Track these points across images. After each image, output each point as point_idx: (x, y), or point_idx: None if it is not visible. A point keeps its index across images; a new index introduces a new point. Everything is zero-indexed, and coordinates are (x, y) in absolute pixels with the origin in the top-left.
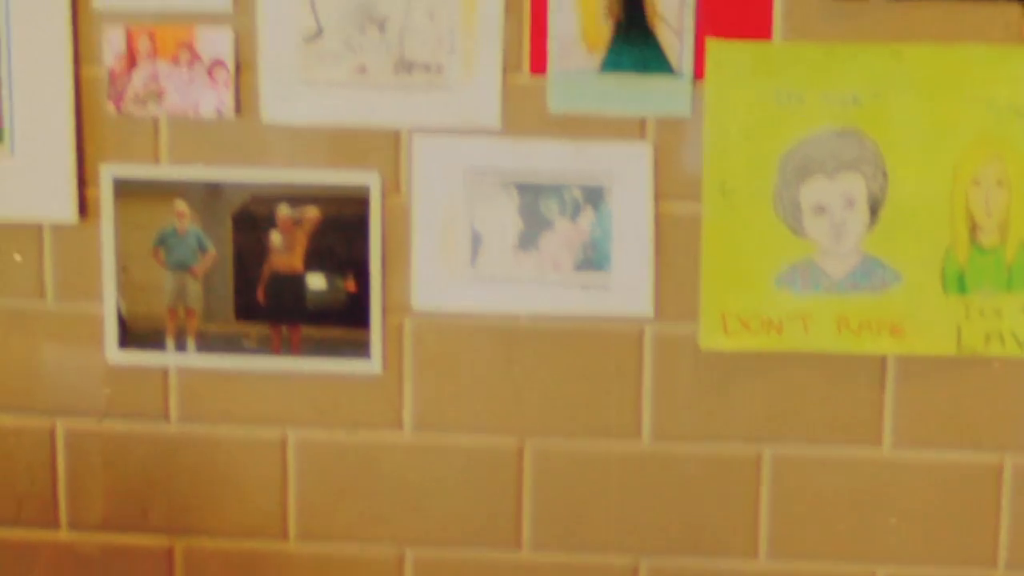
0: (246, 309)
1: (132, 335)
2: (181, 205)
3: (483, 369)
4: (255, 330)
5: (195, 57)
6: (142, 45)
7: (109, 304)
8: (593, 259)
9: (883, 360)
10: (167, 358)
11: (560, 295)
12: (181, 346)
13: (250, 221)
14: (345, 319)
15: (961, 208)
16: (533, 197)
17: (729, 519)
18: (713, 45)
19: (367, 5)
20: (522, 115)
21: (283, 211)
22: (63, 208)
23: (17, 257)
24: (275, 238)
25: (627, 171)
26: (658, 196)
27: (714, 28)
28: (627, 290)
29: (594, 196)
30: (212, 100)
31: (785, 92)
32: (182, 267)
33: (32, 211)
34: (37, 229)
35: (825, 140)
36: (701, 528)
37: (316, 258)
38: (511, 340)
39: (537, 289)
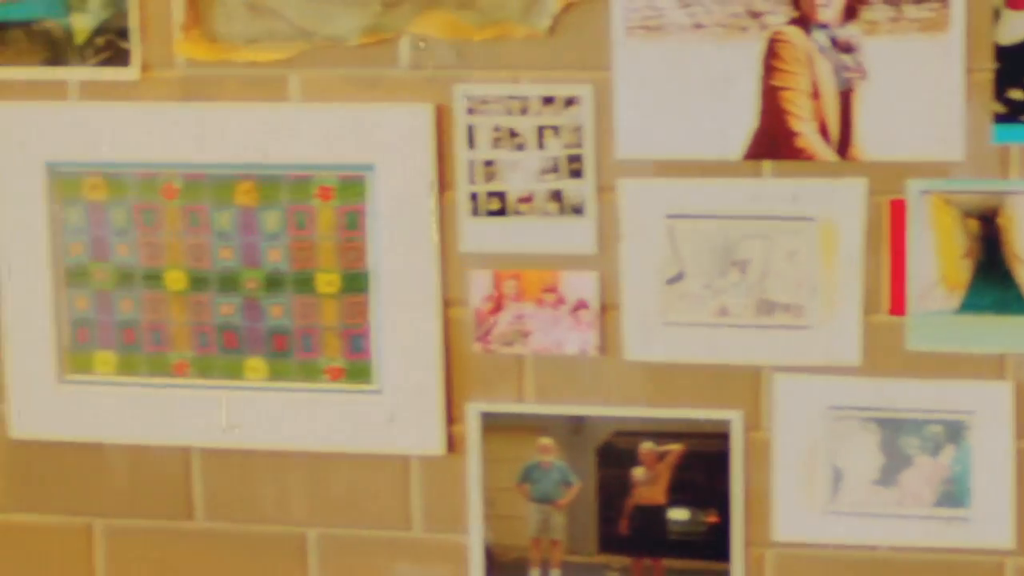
0: (609, 541)
1: (497, 565)
2: (546, 440)
3: None
4: (618, 561)
5: (560, 299)
6: (508, 288)
7: (475, 535)
8: (953, 494)
9: None
10: None
11: (919, 528)
12: None
13: (614, 456)
14: (706, 551)
15: None
16: (893, 433)
17: None
18: None
19: (729, 249)
20: (881, 353)
21: (646, 446)
22: (431, 442)
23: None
24: (638, 472)
25: (987, 408)
26: (1019, 432)
27: None
28: (988, 523)
29: (954, 432)
30: (576, 340)
31: None
32: (547, 500)
33: (400, 445)
34: (404, 461)
35: None
36: None
37: (678, 492)
38: (870, 571)
39: (896, 522)
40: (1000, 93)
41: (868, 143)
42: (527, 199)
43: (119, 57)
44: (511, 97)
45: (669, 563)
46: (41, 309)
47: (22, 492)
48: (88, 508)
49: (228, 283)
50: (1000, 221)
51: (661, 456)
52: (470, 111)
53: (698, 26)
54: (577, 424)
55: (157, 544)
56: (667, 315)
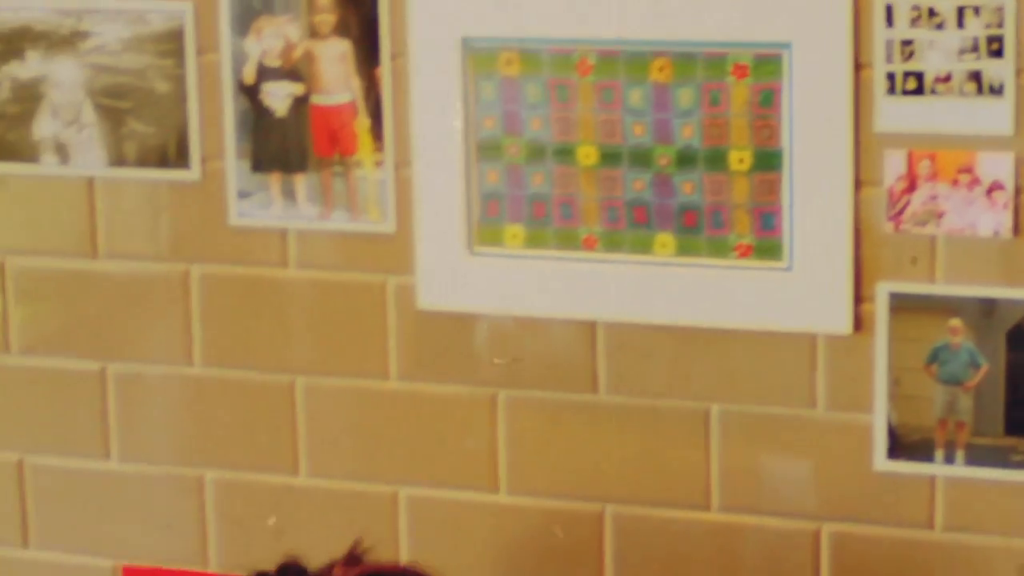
0: (1016, 423)
1: (901, 445)
2: (955, 322)
3: None
4: None
5: (975, 180)
6: (922, 168)
7: (879, 415)
8: None
9: None
10: (935, 469)
11: None
12: (950, 458)
13: None
14: None
15: None
16: None
17: None
18: None
19: None
20: None
21: None
22: (838, 321)
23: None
24: None
25: None
26: None
27: None
28: None
29: None
30: (990, 221)
31: None
32: (954, 381)
33: (807, 323)
34: (811, 339)
35: None
36: None
37: None
38: None
39: None
40: None
41: None
42: (945, 79)
43: None
44: None
45: None
46: (453, 182)
47: (429, 362)
48: (492, 379)
49: (639, 159)
50: None
51: None
52: None
53: None
54: (988, 306)
55: (560, 417)
56: None
